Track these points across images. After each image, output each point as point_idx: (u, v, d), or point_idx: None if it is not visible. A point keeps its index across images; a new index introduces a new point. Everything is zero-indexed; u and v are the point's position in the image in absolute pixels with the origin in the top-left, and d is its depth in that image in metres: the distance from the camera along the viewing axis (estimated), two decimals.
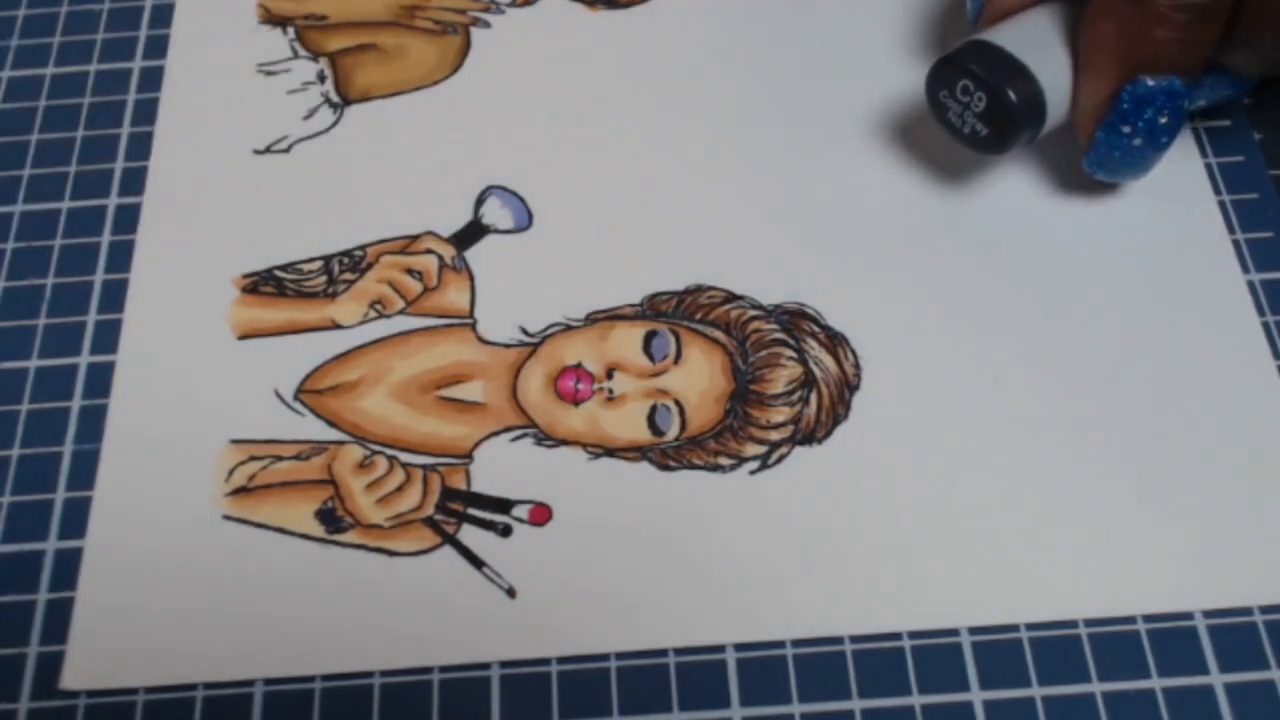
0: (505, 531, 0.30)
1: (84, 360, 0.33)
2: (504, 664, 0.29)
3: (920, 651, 0.29)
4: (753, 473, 0.31)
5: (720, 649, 0.29)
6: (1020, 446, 0.31)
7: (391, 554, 0.30)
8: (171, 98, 0.37)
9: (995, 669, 0.29)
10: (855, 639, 0.29)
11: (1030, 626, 0.29)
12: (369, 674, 0.29)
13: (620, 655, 0.29)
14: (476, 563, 0.30)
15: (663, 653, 0.29)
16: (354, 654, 0.29)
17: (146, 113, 0.37)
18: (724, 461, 0.31)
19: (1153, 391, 0.32)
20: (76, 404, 0.32)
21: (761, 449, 0.31)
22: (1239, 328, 0.33)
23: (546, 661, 0.29)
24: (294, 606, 0.29)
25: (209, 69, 0.38)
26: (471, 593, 0.30)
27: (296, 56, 0.38)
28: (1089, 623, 0.29)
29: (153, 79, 0.38)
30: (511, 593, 0.30)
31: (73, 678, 0.29)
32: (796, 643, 0.29)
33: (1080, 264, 0.34)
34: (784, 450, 0.31)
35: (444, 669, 0.29)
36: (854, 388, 0.32)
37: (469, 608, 0.29)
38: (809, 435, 0.31)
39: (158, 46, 0.38)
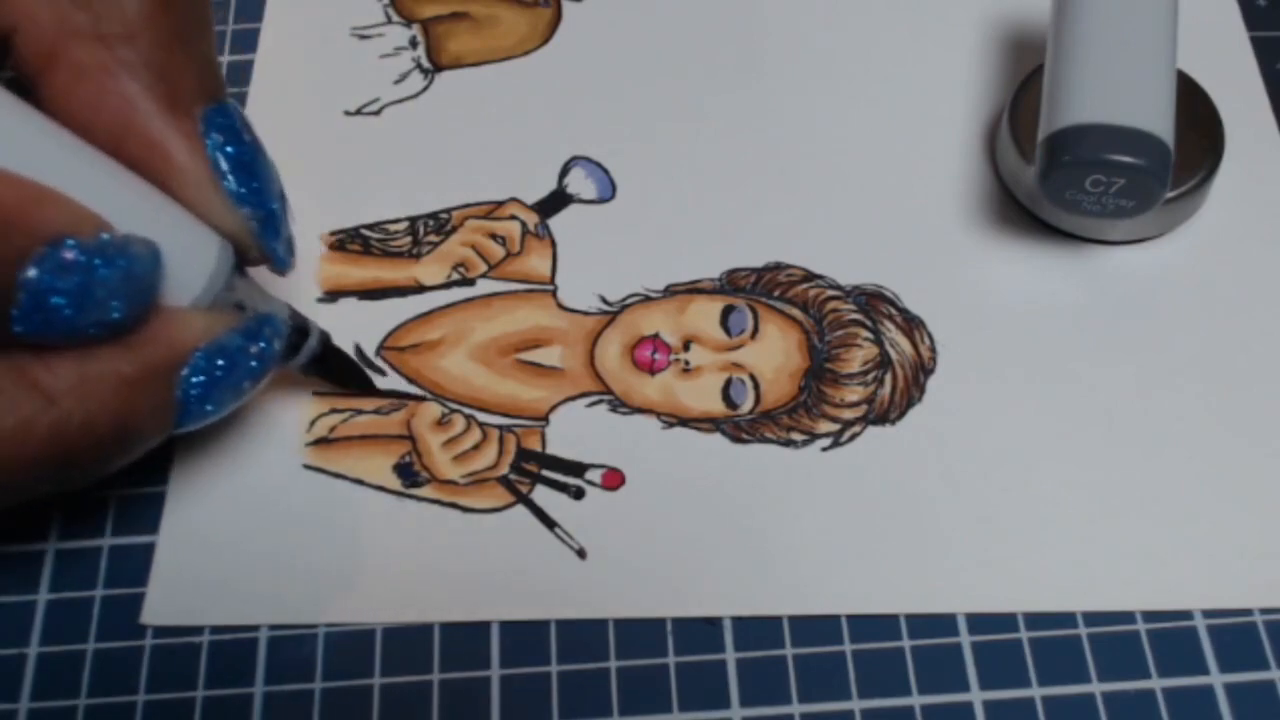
0: (578, 494, 0.31)
1: None
2: (504, 665, 0.29)
3: (920, 651, 0.29)
4: (825, 449, 0.31)
5: (720, 649, 0.29)
6: (1060, 443, 0.32)
7: (465, 510, 0.31)
8: (266, 58, 0.38)
9: (995, 669, 0.29)
10: (854, 639, 0.29)
11: (1030, 626, 0.29)
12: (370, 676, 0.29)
13: (620, 655, 0.29)
14: (549, 523, 0.30)
15: (663, 652, 0.29)
16: (421, 606, 0.30)
17: (238, 75, 0.38)
18: (796, 437, 0.31)
19: (1157, 392, 0.32)
20: None
21: (834, 426, 0.32)
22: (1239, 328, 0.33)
23: (547, 661, 0.29)
24: (367, 556, 0.30)
25: (303, 31, 0.38)
26: (542, 552, 0.30)
27: (390, 21, 0.38)
28: (1089, 622, 0.29)
29: (248, 40, 0.38)
30: (582, 554, 0.30)
31: (151, 614, 0.30)
32: (796, 642, 0.29)
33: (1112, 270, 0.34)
34: (856, 429, 0.32)
35: (444, 670, 0.29)
36: (929, 371, 0.32)
37: (539, 566, 0.30)
38: (882, 416, 0.32)
39: (253, 8, 0.39)
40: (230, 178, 0.26)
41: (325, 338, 0.30)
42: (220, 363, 0.25)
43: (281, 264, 0.27)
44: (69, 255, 0.22)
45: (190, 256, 0.25)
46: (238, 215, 0.26)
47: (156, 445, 0.26)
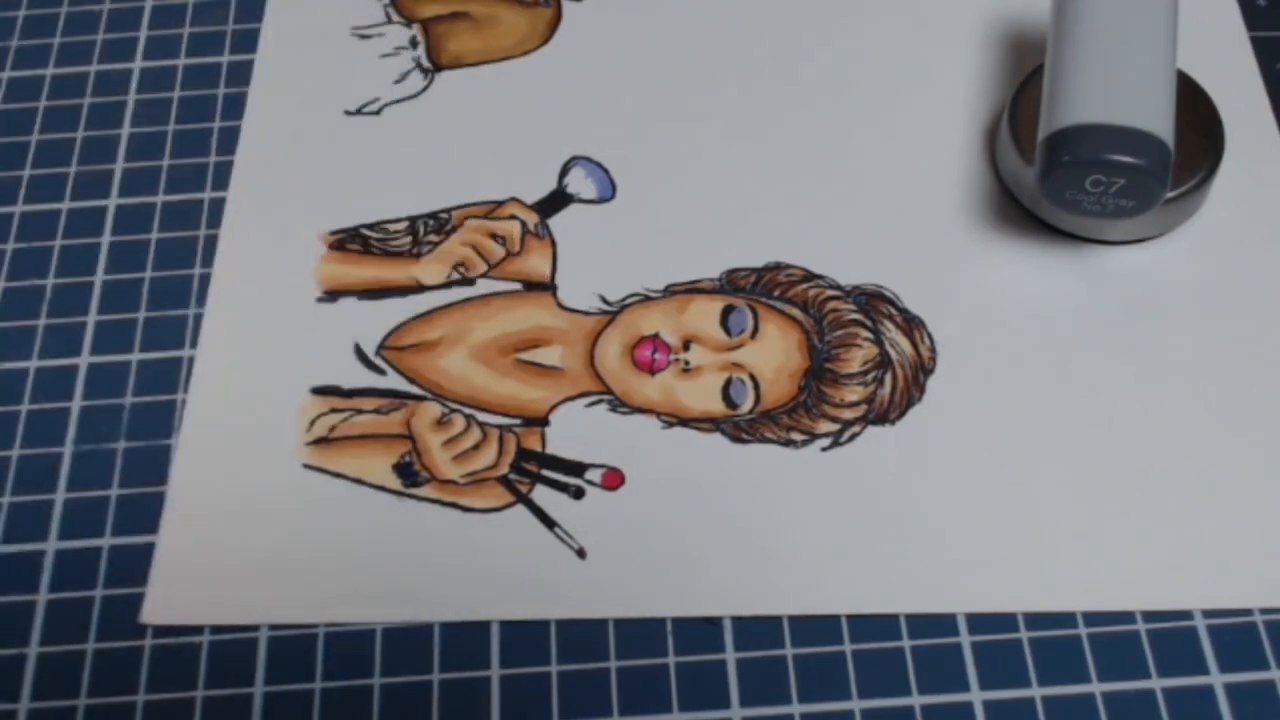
0: (578, 494, 0.31)
1: (84, 361, 0.33)
2: (504, 665, 0.29)
3: (920, 651, 0.29)
4: (824, 449, 0.31)
5: (720, 649, 0.29)
6: (1060, 443, 0.31)
7: (465, 510, 0.31)
8: (266, 58, 0.38)
9: (995, 669, 0.29)
10: (854, 639, 0.29)
11: (1030, 626, 0.29)
12: (372, 673, 0.29)
13: (620, 655, 0.29)
14: (548, 522, 0.30)
15: (663, 652, 0.29)
16: (421, 606, 0.30)
17: (238, 75, 0.38)
18: (796, 437, 0.31)
19: (1157, 392, 0.32)
20: (77, 404, 0.32)
21: (834, 426, 0.32)
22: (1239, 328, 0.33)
23: (547, 661, 0.29)
24: (367, 556, 0.30)
25: (303, 31, 0.38)
26: (542, 552, 0.30)
27: (390, 21, 0.39)
28: (1089, 622, 0.29)
29: (248, 40, 0.38)
30: (582, 554, 0.30)
31: (151, 613, 0.30)
32: (796, 642, 0.29)
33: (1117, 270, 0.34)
34: (856, 429, 0.32)
35: (444, 670, 0.29)
36: (929, 371, 0.32)
37: (539, 566, 0.30)
38: (882, 416, 0.32)
39: (253, 8, 0.39)
40: None
41: None
42: None
43: None
44: None
45: None
46: None
47: None
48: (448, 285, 0.34)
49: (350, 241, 0.34)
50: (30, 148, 0.37)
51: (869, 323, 0.33)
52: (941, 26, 0.38)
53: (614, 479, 0.31)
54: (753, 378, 0.32)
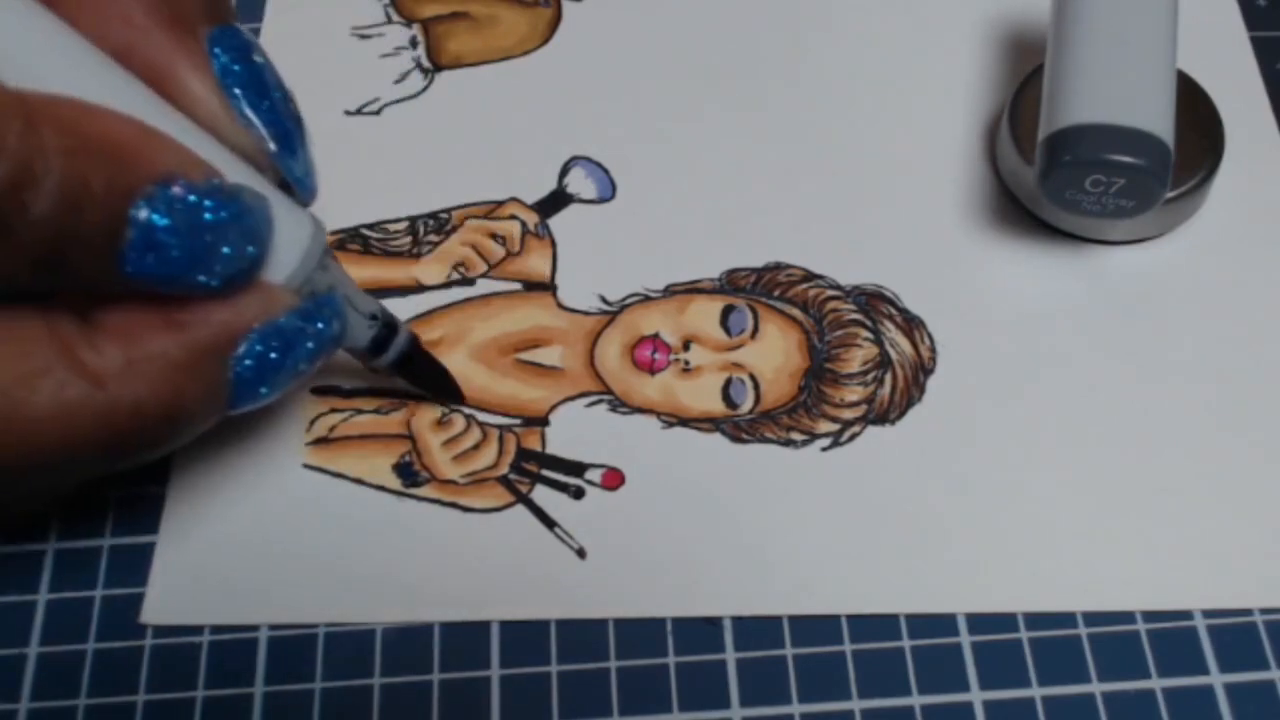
0: (578, 494, 0.31)
1: None
2: (504, 665, 0.29)
3: (920, 651, 0.29)
4: (824, 449, 0.31)
5: (720, 649, 0.29)
6: (1060, 442, 0.32)
7: (465, 510, 0.31)
8: None
9: (995, 669, 0.29)
10: (854, 639, 0.29)
11: (1030, 626, 0.29)
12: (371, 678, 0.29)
13: (620, 655, 0.29)
14: (548, 523, 0.30)
15: (663, 652, 0.29)
16: (421, 606, 0.30)
17: None
18: (796, 437, 0.31)
19: (1157, 392, 0.32)
20: None
21: (834, 427, 0.32)
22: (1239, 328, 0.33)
23: (547, 661, 0.29)
24: (368, 556, 0.30)
25: (303, 31, 0.38)
26: (542, 552, 0.30)
27: (390, 21, 0.39)
28: (1089, 622, 0.29)
29: None
30: (582, 554, 0.30)
31: (151, 613, 0.30)
32: (796, 642, 0.29)
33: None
34: (856, 429, 0.32)
35: (444, 670, 0.29)
36: (929, 371, 0.32)
37: (539, 566, 0.30)
38: (882, 416, 0.32)
39: (253, 8, 0.39)
40: (240, 97, 0.25)
41: (414, 339, 0.30)
42: (275, 344, 0.24)
43: (303, 187, 0.26)
44: (178, 191, 0.22)
45: (284, 231, 0.24)
46: (250, 135, 0.25)
47: (211, 426, 0.25)
48: (448, 285, 0.34)
49: (350, 241, 0.34)
50: None
51: (869, 323, 0.33)
52: (941, 26, 0.38)
53: (614, 479, 0.31)
54: (753, 378, 0.32)
